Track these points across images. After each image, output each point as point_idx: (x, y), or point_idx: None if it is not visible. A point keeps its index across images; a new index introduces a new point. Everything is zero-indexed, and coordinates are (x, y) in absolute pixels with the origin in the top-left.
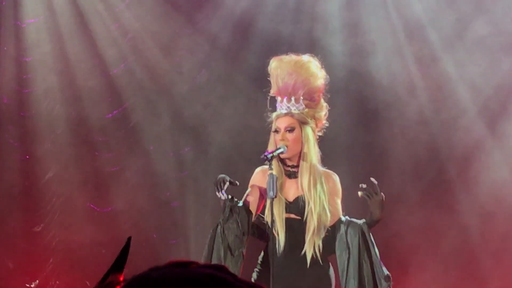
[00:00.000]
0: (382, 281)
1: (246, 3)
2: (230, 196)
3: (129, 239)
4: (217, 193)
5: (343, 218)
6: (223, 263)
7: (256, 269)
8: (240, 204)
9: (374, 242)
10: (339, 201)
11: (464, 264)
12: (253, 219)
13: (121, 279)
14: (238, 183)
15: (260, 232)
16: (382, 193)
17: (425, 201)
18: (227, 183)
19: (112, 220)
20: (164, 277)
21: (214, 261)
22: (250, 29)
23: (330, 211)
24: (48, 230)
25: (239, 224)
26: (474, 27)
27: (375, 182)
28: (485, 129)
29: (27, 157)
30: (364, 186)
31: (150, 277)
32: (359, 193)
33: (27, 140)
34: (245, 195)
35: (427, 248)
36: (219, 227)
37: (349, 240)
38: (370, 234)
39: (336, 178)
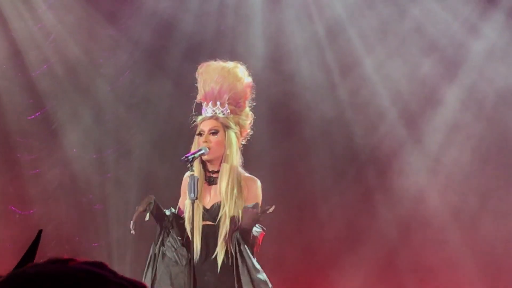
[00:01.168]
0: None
1: (167, 4)
2: (164, 213)
3: (40, 232)
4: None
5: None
6: (173, 278)
7: None
8: (171, 211)
9: (248, 252)
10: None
11: (383, 268)
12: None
13: None
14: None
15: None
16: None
17: (346, 203)
18: (147, 214)
19: (34, 223)
20: (39, 273)
21: (160, 280)
22: (172, 31)
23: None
24: None
25: (176, 238)
26: (394, 29)
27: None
28: (404, 132)
29: None
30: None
31: (25, 273)
32: None
33: None
34: (179, 202)
35: (347, 252)
36: (157, 249)
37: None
38: (244, 245)
39: (257, 184)
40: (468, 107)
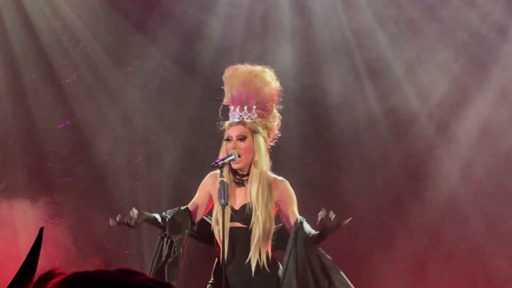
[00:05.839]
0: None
1: (195, 11)
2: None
3: (41, 230)
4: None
5: (298, 219)
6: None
7: (210, 282)
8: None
9: (322, 253)
10: (293, 206)
11: (415, 271)
12: (197, 220)
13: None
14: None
15: (202, 234)
16: (339, 222)
17: (377, 207)
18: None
19: (65, 231)
20: (103, 278)
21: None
22: (200, 38)
23: (286, 218)
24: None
25: (178, 231)
26: (423, 32)
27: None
28: (435, 135)
29: None
30: (326, 214)
31: (90, 275)
32: (320, 217)
33: None
34: (193, 200)
35: (379, 255)
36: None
37: (298, 242)
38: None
39: (287, 184)
40: (499, 110)
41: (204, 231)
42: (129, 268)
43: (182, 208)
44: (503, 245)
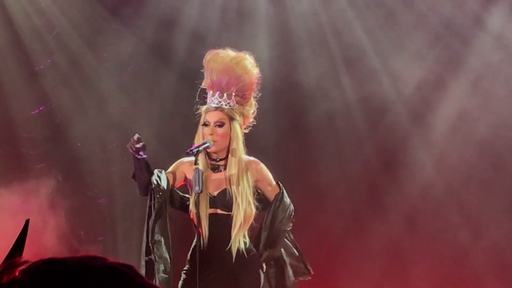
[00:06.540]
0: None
1: None
2: (155, 182)
3: (27, 222)
4: (135, 155)
5: (279, 194)
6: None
7: (184, 268)
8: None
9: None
10: (271, 181)
11: (389, 260)
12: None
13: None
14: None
15: (179, 203)
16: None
17: (351, 195)
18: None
19: (39, 217)
20: (69, 262)
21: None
22: (176, 24)
23: (267, 194)
24: None
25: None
26: (399, 21)
27: None
28: (410, 124)
29: None
30: None
31: (57, 260)
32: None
33: None
34: (169, 170)
35: (354, 243)
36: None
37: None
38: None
39: (261, 164)
40: (473, 98)
41: (184, 206)
42: (94, 254)
43: (159, 170)
44: (478, 233)
